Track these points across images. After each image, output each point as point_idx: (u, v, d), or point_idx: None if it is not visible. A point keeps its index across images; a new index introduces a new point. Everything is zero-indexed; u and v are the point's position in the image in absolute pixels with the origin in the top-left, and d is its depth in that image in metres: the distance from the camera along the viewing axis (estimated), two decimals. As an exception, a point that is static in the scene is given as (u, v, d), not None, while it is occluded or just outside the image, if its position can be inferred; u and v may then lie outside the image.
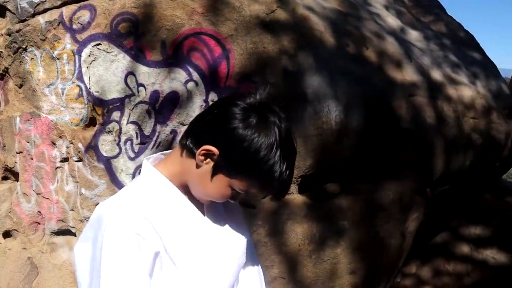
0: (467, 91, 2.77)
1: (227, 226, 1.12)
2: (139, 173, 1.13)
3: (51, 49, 2.45)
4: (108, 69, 2.28)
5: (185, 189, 1.06)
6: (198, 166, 0.99)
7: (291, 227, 2.27)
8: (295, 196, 2.32)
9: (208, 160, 0.97)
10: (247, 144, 0.92)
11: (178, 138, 2.18)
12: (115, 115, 2.28)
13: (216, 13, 2.18)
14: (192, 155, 0.99)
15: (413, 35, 3.00)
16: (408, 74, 2.59)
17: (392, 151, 2.49)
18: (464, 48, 3.16)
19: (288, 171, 0.96)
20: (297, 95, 2.15)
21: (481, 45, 3.34)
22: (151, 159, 1.10)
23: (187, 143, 1.00)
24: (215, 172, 0.97)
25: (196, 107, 2.15)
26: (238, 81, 2.12)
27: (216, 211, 1.11)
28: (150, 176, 1.04)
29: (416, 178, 2.57)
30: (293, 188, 2.31)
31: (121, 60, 2.25)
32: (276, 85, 2.12)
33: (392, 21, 2.99)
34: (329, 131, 2.19)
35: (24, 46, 2.54)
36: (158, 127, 2.20)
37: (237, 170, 0.97)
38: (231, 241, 1.12)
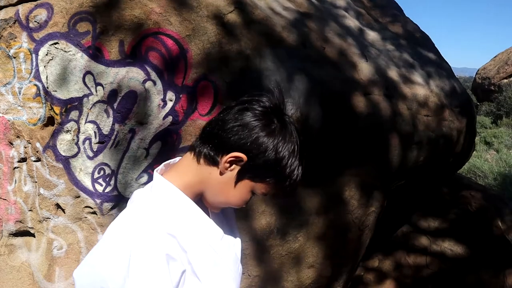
0: (421, 89, 2.87)
1: (227, 232, 1.12)
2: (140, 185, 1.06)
3: (7, 47, 2.41)
4: (66, 68, 2.26)
5: (196, 199, 1.04)
6: (221, 173, 0.99)
7: (250, 223, 2.31)
8: (254, 193, 2.36)
9: (233, 166, 0.98)
10: (273, 150, 0.95)
11: (137, 137, 2.20)
12: (73, 114, 2.27)
13: (174, 13, 2.20)
14: (213, 162, 0.99)
15: (371, 36, 3.09)
16: (365, 73, 2.67)
17: (350, 147, 2.56)
18: (419, 49, 3.27)
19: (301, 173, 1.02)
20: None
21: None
22: (159, 170, 1.07)
23: (206, 151, 0.99)
24: (240, 178, 0.99)
25: (154, 106, 2.16)
26: (196, 81, 2.15)
27: (219, 217, 1.12)
28: (164, 190, 1.01)
29: (373, 173, 2.66)
30: (253, 185, 2.35)
31: (79, 60, 2.24)
32: (233, 85, 2.15)
33: (351, 22, 3.07)
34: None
35: (-22, 44, 2.49)
36: (117, 126, 2.21)
37: (263, 175, 0.99)
38: (235, 247, 1.13)
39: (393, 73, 2.82)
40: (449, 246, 4.48)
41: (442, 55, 3.40)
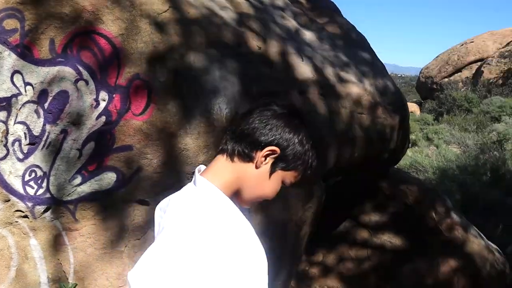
0: (356, 88, 2.98)
1: None
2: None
3: None
4: (-8, 67, 2.18)
5: (231, 198, 1.15)
6: (257, 167, 1.12)
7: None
8: (191, 192, 2.38)
9: (268, 160, 1.12)
10: (298, 140, 1.13)
11: (70, 137, 2.15)
12: (1, 115, 2.19)
13: (107, 11, 2.17)
14: (248, 159, 1.12)
15: (308, 36, 3.17)
16: (301, 73, 2.74)
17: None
18: (355, 49, 3.39)
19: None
20: (188, 93, 2.21)
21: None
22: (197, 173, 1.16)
23: (241, 149, 1.12)
24: (273, 169, 1.13)
25: (86, 106, 2.13)
26: (129, 80, 2.14)
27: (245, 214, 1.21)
28: (208, 191, 1.11)
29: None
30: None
31: (7, 58, 2.17)
32: (167, 84, 2.16)
33: (288, 22, 3.13)
34: (221, 127, 2.28)
35: None
36: (48, 127, 2.15)
37: (292, 163, 1.14)
38: None
39: (328, 73, 2.91)
40: (388, 239, 4.67)
41: (377, 55, 3.54)
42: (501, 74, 20.32)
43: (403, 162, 9.40)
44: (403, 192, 4.72)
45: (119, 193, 2.17)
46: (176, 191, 2.24)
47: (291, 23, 3.16)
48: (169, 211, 1.10)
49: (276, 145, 1.11)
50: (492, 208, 6.15)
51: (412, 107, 23.81)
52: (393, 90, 3.29)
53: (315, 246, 4.95)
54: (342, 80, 2.96)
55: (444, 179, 7.16)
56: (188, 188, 1.16)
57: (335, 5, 3.87)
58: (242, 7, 2.84)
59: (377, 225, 4.75)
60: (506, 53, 20.52)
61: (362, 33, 3.60)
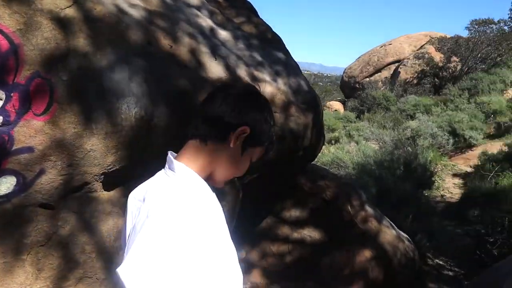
0: (269, 87, 3.05)
1: None
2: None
3: None
4: None
5: (206, 180, 1.21)
6: (230, 147, 1.19)
7: (95, 225, 2.26)
8: (99, 194, 2.31)
9: (238, 139, 1.18)
10: (264, 118, 1.22)
11: None
12: None
13: (2, 4, 2.04)
14: (222, 141, 1.18)
15: (223, 35, 3.19)
16: (214, 72, 2.75)
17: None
18: (270, 48, 3.45)
19: None
20: (93, 92, 2.14)
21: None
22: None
23: (214, 132, 1.18)
24: (244, 147, 1.21)
25: (-21, 106, 1.99)
26: (29, 78, 2.03)
27: None
28: (188, 175, 1.16)
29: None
30: (97, 185, 2.30)
31: None
32: (70, 83, 2.08)
33: (203, 21, 3.13)
34: (129, 127, 2.23)
35: None
36: None
37: (260, 141, 1.24)
38: None
39: (242, 72, 2.95)
40: (308, 233, 4.82)
41: (291, 55, 3.64)
42: (416, 74, 21.71)
43: (326, 158, 9.76)
44: (322, 187, 4.90)
45: (20, 198, 2.06)
46: (84, 193, 2.16)
47: (206, 22, 3.16)
48: (151, 199, 1.09)
49: (246, 125, 1.18)
50: (404, 200, 6.56)
51: (337, 105, 24.75)
52: (306, 89, 3.39)
53: (239, 243, 5.01)
54: (256, 79, 3.01)
55: (362, 174, 7.51)
56: (165, 174, 1.19)
57: (251, 5, 3.92)
58: (154, 4, 2.80)
59: (297, 221, 4.89)
60: (420, 55, 21.93)
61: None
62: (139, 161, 2.41)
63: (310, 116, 3.35)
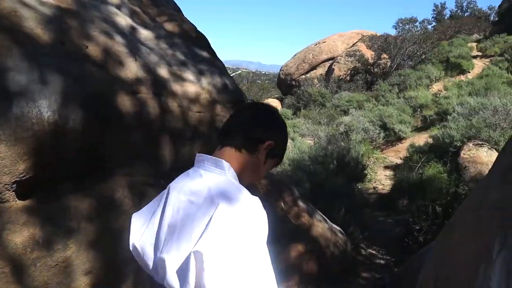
0: (193, 87, 3.01)
1: None
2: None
3: None
4: None
5: None
6: (258, 158, 1.42)
7: (8, 237, 2.12)
8: (12, 204, 2.18)
9: (264, 151, 1.42)
10: (284, 136, 1.50)
11: None
12: None
13: None
14: (252, 150, 1.41)
15: (144, 34, 3.11)
16: (133, 72, 2.67)
17: (119, 147, 2.54)
18: (194, 47, 3.41)
19: None
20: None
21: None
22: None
23: (247, 143, 1.41)
24: (267, 158, 1.44)
25: None
26: None
27: None
28: (234, 176, 1.37)
29: (146, 172, 2.69)
30: (9, 195, 2.16)
31: None
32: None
33: (122, 20, 3.03)
34: (42, 132, 2.12)
35: None
36: None
37: (279, 153, 1.49)
38: None
39: (163, 72, 2.89)
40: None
41: (216, 54, 3.62)
42: (349, 71, 22.43)
43: (263, 156, 9.83)
44: (255, 185, 4.94)
45: None
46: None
47: (126, 21, 3.07)
48: (213, 192, 1.27)
49: (272, 140, 1.43)
50: (337, 193, 6.75)
51: (274, 102, 25.05)
52: (232, 88, 3.39)
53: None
54: (178, 79, 2.96)
55: (297, 170, 7.64)
56: (213, 171, 1.36)
57: (175, 4, 3.85)
58: (67, 2, 2.67)
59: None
60: (352, 53, 22.68)
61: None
62: (55, 167, 2.30)
63: (236, 115, 3.35)
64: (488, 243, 1.56)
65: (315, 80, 23.39)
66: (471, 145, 8.51)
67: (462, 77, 18.17)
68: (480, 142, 8.48)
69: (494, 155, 7.96)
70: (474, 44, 23.93)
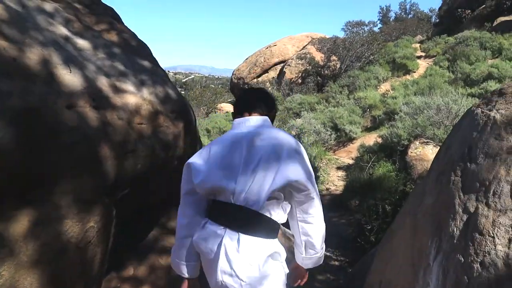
0: (133, 98, 2.91)
1: None
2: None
3: None
4: None
5: None
6: (271, 118, 2.27)
7: None
8: None
9: (272, 113, 2.32)
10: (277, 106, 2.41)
11: None
12: None
13: None
14: (269, 113, 2.26)
15: (81, 44, 2.99)
16: (69, 85, 2.55)
17: (57, 163, 2.42)
18: (134, 57, 3.31)
19: None
20: None
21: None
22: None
23: (267, 109, 2.25)
24: (273, 119, 2.33)
25: None
26: None
27: None
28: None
29: (88, 188, 2.58)
30: None
31: None
32: None
33: (57, 29, 2.90)
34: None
35: None
36: None
37: (275, 117, 2.37)
38: None
39: (102, 83, 2.78)
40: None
41: (158, 63, 3.54)
42: (300, 74, 22.73)
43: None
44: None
45: None
46: None
47: (61, 30, 2.93)
48: (279, 137, 2.03)
49: (276, 108, 2.36)
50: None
51: (228, 107, 25.03)
52: (175, 97, 3.31)
53: (125, 259, 4.78)
54: (118, 90, 2.86)
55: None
56: (268, 124, 2.18)
57: (114, 11, 3.73)
58: (-5, 12, 2.52)
59: (184, 230, 4.80)
60: (302, 55, 23.02)
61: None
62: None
63: (180, 124, 3.28)
64: (424, 248, 1.58)
65: (267, 83, 23.55)
66: (417, 143, 8.80)
67: (408, 77, 18.85)
68: (426, 140, 8.78)
69: (439, 152, 8.27)
70: (418, 45, 24.91)
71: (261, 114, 2.15)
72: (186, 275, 2.14)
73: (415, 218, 1.80)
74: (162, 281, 4.69)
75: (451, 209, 1.52)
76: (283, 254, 2.02)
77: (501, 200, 1.36)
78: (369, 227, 6.07)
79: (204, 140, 15.16)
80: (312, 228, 1.96)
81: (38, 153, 2.35)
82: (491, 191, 1.40)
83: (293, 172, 1.84)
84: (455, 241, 1.45)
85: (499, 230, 1.32)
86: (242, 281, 1.76)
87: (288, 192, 1.90)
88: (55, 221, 2.44)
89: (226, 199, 1.88)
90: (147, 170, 3.01)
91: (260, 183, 1.80)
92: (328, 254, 6.62)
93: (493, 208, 1.37)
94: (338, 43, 22.33)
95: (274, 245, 1.95)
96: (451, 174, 1.61)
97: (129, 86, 2.96)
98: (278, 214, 1.93)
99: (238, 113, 2.21)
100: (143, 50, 3.50)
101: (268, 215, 1.89)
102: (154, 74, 3.28)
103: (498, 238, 1.30)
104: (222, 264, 1.79)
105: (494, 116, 1.52)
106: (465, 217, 1.44)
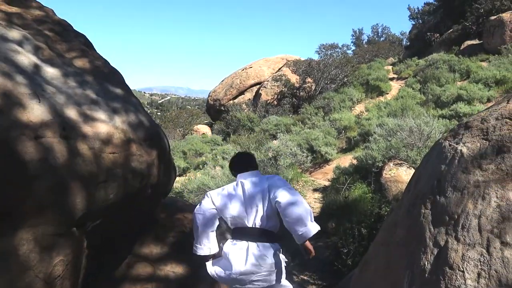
0: (105, 127, 2.87)
1: None
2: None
3: None
4: None
5: None
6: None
7: None
8: None
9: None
10: None
11: None
12: None
13: None
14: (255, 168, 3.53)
15: (50, 73, 2.94)
16: (36, 115, 2.49)
17: (22, 197, 2.35)
18: (107, 84, 3.28)
19: None
20: None
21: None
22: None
23: (254, 166, 3.51)
24: None
25: None
26: None
27: None
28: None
29: (55, 221, 2.50)
30: None
31: None
32: None
33: (25, 58, 2.85)
34: None
35: None
36: None
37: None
38: None
39: (72, 112, 2.73)
40: (171, 269, 4.65)
41: (131, 90, 3.50)
42: (275, 95, 22.94)
43: (192, 185, 9.68)
44: (181, 220, 4.80)
45: None
46: None
47: (29, 59, 2.88)
48: (271, 179, 3.21)
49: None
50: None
51: (204, 128, 24.96)
52: (148, 125, 3.28)
53: (97, 290, 4.64)
54: (89, 119, 2.81)
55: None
56: (253, 177, 3.30)
57: (86, 38, 3.70)
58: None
59: (159, 257, 4.70)
60: (278, 77, 23.26)
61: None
62: None
63: (154, 152, 3.24)
64: (398, 282, 1.58)
65: (244, 105, 23.65)
66: (391, 165, 8.92)
67: (382, 98, 19.22)
68: (400, 162, 8.92)
69: (412, 173, 8.40)
70: (390, 67, 25.52)
71: (252, 169, 3.41)
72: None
73: (388, 250, 1.80)
74: (136, 310, 4.57)
75: (422, 242, 1.52)
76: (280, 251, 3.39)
77: (469, 234, 1.37)
78: (345, 251, 6.07)
79: (181, 162, 15.02)
80: (286, 213, 2.97)
81: (2, 185, 2.27)
82: (460, 225, 1.41)
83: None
84: (426, 275, 1.45)
85: (468, 264, 1.32)
86: (262, 266, 3.09)
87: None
88: (20, 258, 2.35)
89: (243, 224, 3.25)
90: (120, 200, 2.94)
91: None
92: (305, 278, 6.58)
93: (462, 242, 1.38)
94: (312, 65, 22.68)
95: (276, 245, 3.31)
96: (421, 207, 1.62)
97: (100, 115, 2.91)
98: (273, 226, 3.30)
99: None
100: (115, 77, 3.46)
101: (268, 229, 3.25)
102: (127, 102, 3.25)
103: (468, 273, 1.31)
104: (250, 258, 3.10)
105: (461, 150, 1.55)
106: (435, 251, 1.45)
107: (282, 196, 2.94)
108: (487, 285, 1.25)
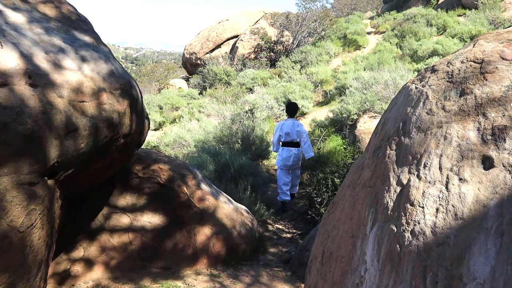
0: (74, 75, 2.80)
1: None
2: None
3: None
4: None
5: None
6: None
7: None
8: None
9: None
10: None
11: None
12: None
13: None
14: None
15: (14, 18, 2.82)
16: (2, 62, 2.42)
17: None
18: (75, 32, 3.17)
19: None
20: None
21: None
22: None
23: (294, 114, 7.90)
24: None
25: None
26: None
27: None
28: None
29: (26, 170, 2.48)
30: None
31: None
32: None
33: (-14, 2, 2.73)
34: None
35: None
36: None
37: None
38: None
39: (39, 60, 2.65)
40: (148, 219, 4.72)
41: (101, 39, 3.40)
42: (253, 49, 22.62)
43: (168, 139, 9.65)
44: (156, 171, 4.82)
45: None
46: None
47: (-9, 3, 2.76)
48: (296, 124, 7.39)
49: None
50: (242, 172, 6.84)
51: (180, 82, 24.61)
52: (119, 74, 3.21)
53: (75, 240, 4.68)
54: (57, 67, 2.74)
55: (202, 152, 7.60)
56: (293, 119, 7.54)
57: (52, -17, 3.53)
58: None
59: (135, 208, 4.75)
60: (255, 30, 22.86)
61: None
62: None
63: (125, 102, 3.19)
64: (362, 220, 1.65)
65: (220, 58, 23.28)
66: (366, 117, 9.05)
67: (359, 52, 19.17)
68: (374, 114, 9.04)
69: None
70: (368, 21, 25.32)
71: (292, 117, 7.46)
72: None
73: (354, 191, 1.87)
74: (115, 260, 4.65)
75: (386, 182, 1.58)
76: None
77: (430, 172, 1.43)
78: (319, 200, 6.23)
79: (157, 117, 14.88)
80: (302, 142, 7.17)
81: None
82: (422, 164, 1.46)
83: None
84: (389, 212, 1.52)
85: (428, 200, 1.39)
86: (295, 158, 7.22)
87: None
88: (4, 206, 2.35)
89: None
90: (91, 149, 2.92)
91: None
92: (280, 227, 6.75)
93: (423, 180, 1.43)
94: (290, 19, 22.30)
95: (300, 149, 7.30)
96: (387, 148, 1.67)
97: (69, 63, 2.84)
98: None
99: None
100: (84, 25, 3.34)
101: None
102: (96, 50, 3.16)
103: (427, 208, 1.37)
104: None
105: (426, 92, 1.58)
106: (398, 189, 1.51)
107: (300, 134, 7.11)
108: (444, 219, 1.32)
